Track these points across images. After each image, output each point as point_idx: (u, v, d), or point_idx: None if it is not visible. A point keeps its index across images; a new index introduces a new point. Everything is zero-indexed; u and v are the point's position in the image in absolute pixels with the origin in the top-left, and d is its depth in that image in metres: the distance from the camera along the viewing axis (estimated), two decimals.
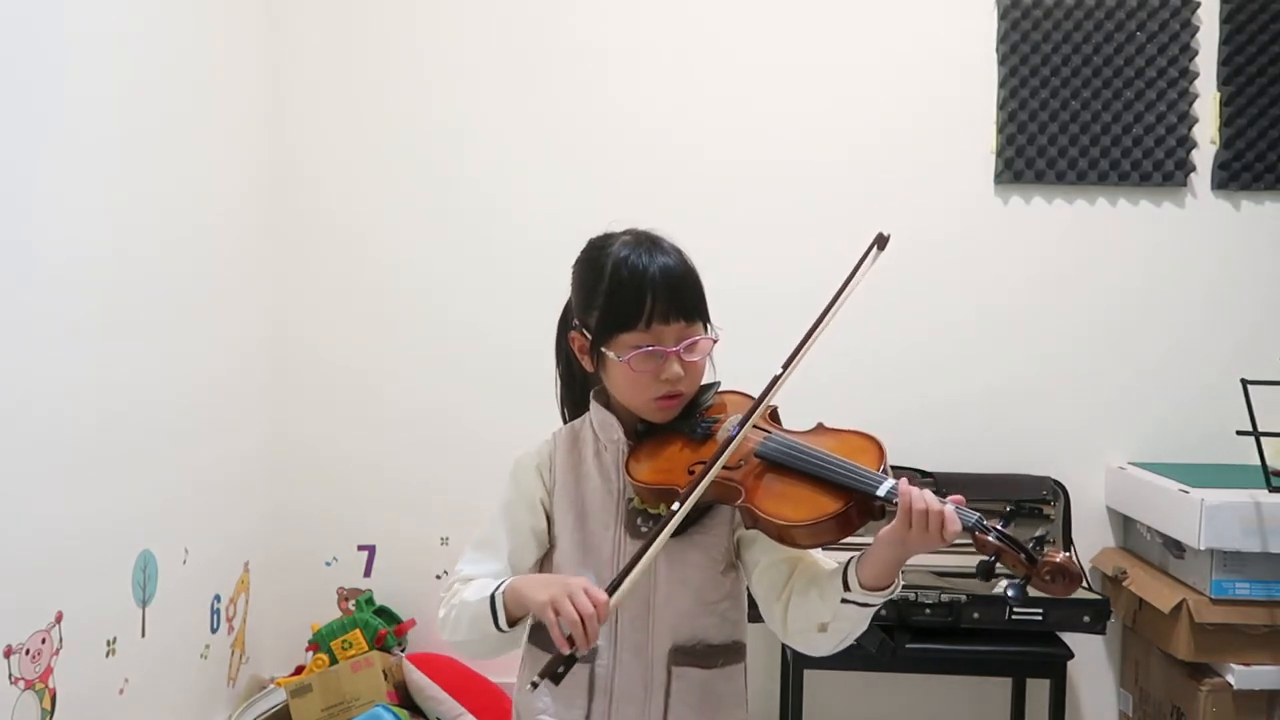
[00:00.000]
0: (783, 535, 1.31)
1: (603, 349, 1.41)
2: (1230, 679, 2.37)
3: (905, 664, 2.42)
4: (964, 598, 2.38)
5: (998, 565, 1.22)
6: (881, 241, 1.42)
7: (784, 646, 2.65)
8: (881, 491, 1.26)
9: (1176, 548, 2.52)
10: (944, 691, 2.84)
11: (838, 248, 2.78)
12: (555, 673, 1.27)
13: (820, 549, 1.37)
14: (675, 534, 1.40)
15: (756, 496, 1.33)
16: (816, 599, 1.33)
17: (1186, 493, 2.41)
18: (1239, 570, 2.37)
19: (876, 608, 1.31)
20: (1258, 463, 2.40)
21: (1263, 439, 2.38)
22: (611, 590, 1.28)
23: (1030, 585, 1.21)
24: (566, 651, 1.25)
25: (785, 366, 1.39)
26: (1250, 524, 2.32)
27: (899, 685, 2.81)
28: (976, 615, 2.39)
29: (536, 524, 1.49)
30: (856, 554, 1.31)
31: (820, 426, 1.44)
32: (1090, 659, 2.80)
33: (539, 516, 1.49)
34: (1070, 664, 2.45)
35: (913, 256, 2.82)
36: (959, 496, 1.25)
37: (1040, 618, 2.39)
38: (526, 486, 1.50)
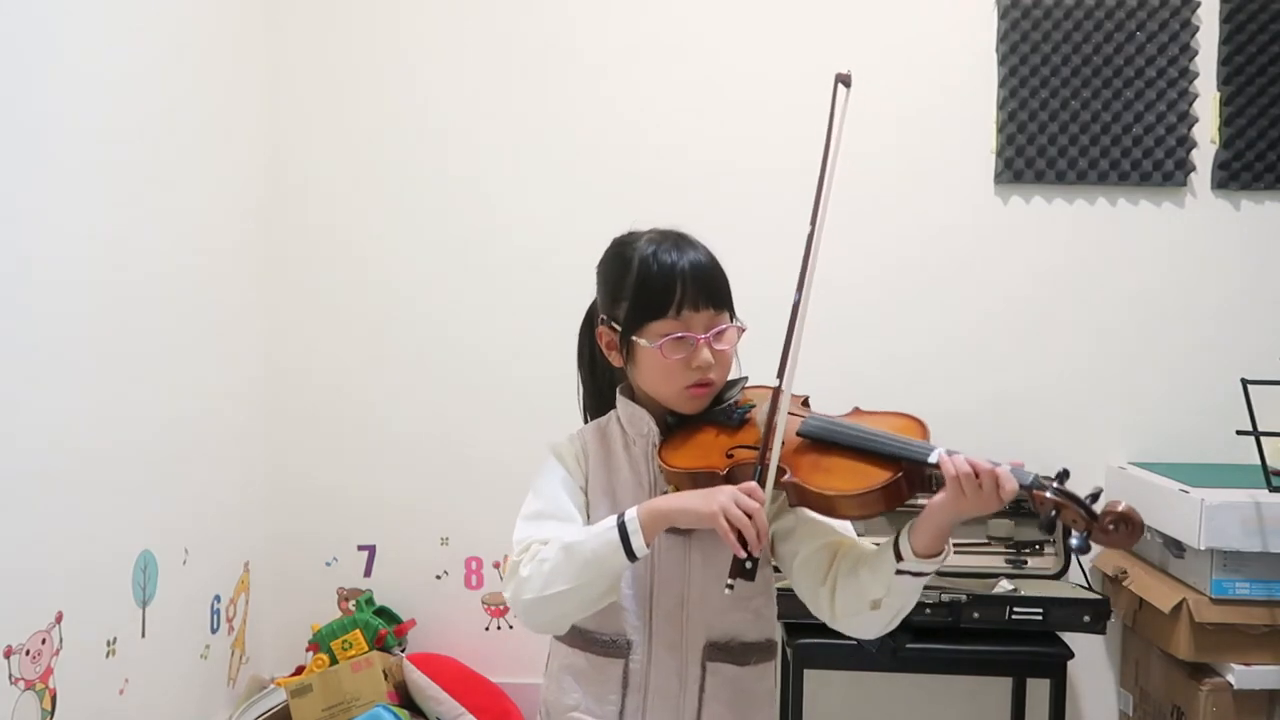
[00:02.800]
0: (831, 508, 1.32)
1: (633, 337, 1.42)
2: (1230, 679, 2.37)
3: (905, 664, 2.42)
4: (964, 598, 2.38)
5: (1058, 521, 1.22)
6: (845, 80, 1.42)
7: (784, 645, 2.65)
8: (933, 459, 1.26)
9: (1176, 547, 2.52)
10: (944, 691, 2.84)
11: (839, 248, 2.80)
12: (746, 569, 1.29)
13: (864, 523, 1.38)
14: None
15: (803, 471, 1.33)
16: (868, 576, 1.33)
17: (1186, 493, 2.40)
18: (1239, 570, 2.37)
19: (929, 577, 1.32)
20: (1258, 463, 2.40)
21: (1263, 439, 2.38)
22: (761, 481, 1.31)
23: (1092, 538, 1.22)
24: (744, 554, 1.27)
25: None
26: (1250, 524, 2.32)
27: (899, 685, 2.81)
28: (976, 615, 2.39)
29: (585, 504, 1.48)
30: (904, 526, 1.32)
31: (858, 410, 1.45)
32: (1090, 659, 2.80)
33: (582, 498, 1.48)
34: (1070, 664, 2.45)
35: (912, 257, 2.83)
36: (1018, 461, 1.26)
37: (1040, 617, 2.40)
38: (570, 467, 1.49)
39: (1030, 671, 2.61)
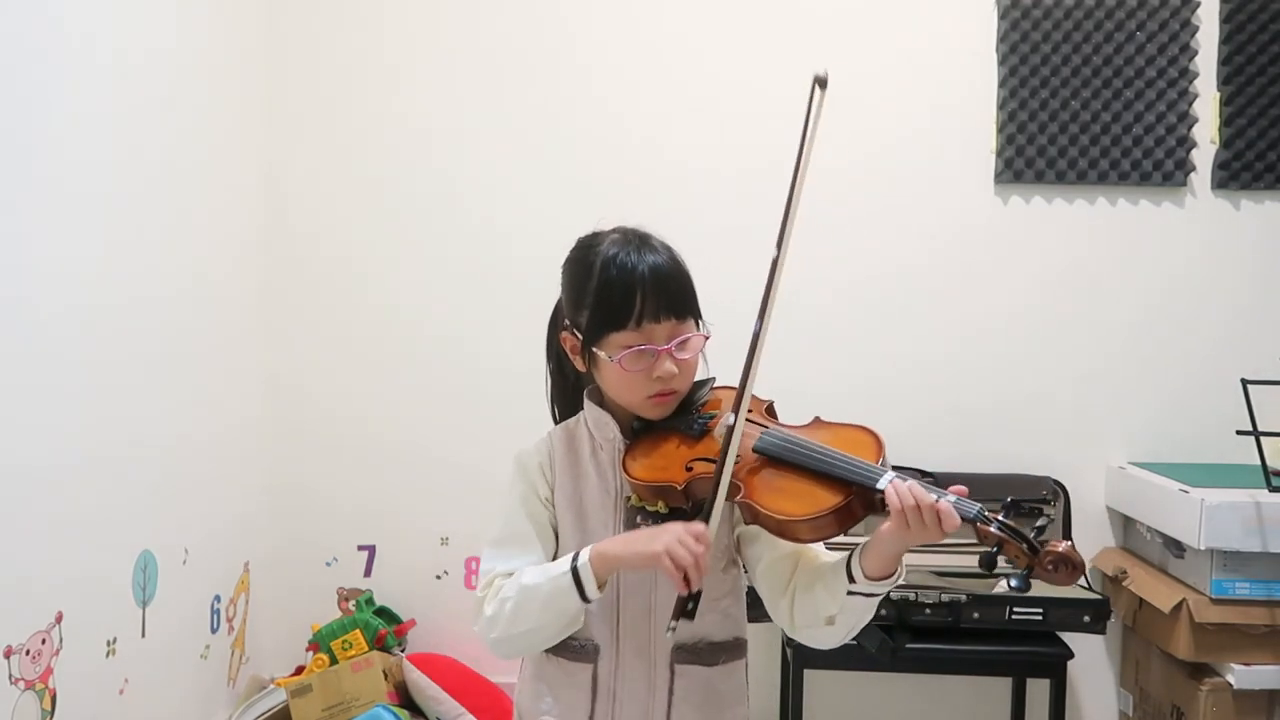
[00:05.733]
0: (783, 530, 1.31)
1: (594, 349, 1.41)
2: (1230, 679, 2.37)
3: (905, 664, 2.42)
4: (964, 598, 2.38)
5: (1000, 556, 1.22)
6: (821, 83, 1.39)
7: (784, 646, 2.65)
8: (881, 484, 1.26)
9: (1176, 547, 2.52)
10: (944, 691, 2.84)
11: (837, 249, 2.82)
12: (688, 610, 1.31)
13: (821, 543, 1.37)
14: None
15: (756, 492, 1.33)
16: (822, 592, 1.33)
17: (1186, 493, 2.41)
18: (1239, 570, 2.37)
19: (882, 596, 1.32)
20: (1258, 463, 2.40)
21: (1263, 439, 2.38)
22: (706, 519, 1.31)
23: (1033, 575, 1.21)
24: (688, 592, 1.29)
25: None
26: (1250, 524, 2.32)
27: (899, 685, 2.81)
28: (976, 615, 2.39)
29: (550, 516, 1.49)
30: (858, 546, 1.32)
31: (818, 420, 1.44)
32: (1090, 659, 2.80)
33: (550, 509, 1.49)
34: (1070, 664, 2.45)
35: (912, 257, 2.83)
36: (962, 488, 1.25)
37: (1040, 617, 2.39)
38: (534, 480, 1.49)
39: (1030, 671, 2.61)
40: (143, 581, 2.21)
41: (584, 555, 1.35)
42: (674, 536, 1.28)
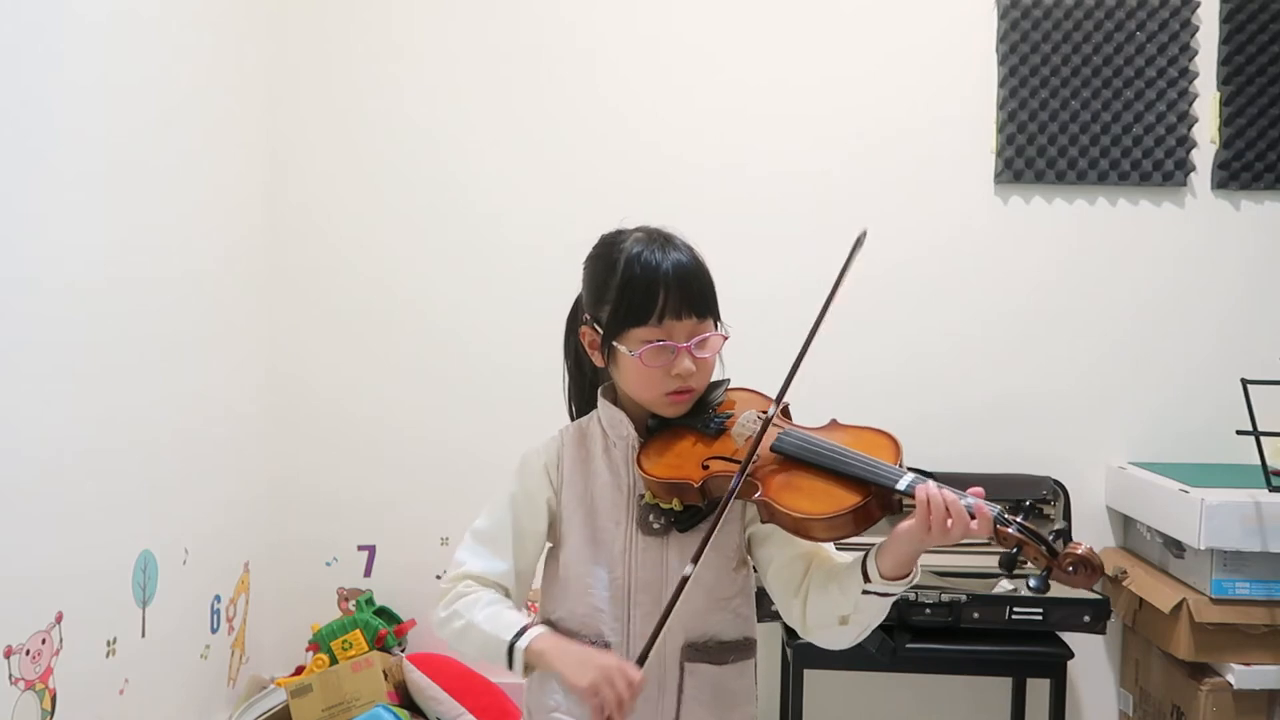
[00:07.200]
0: (800, 529, 1.31)
1: (614, 343, 1.42)
2: (1230, 679, 2.37)
3: (905, 664, 2.42)
4: (964, 598, 2.38)
5: (1019, 558, 1.22)
6: (860, 242, 1.42)
7: (784, 646, 2.65)
8: (901, 485, 1.26)
9: (1176, 547, 2.52)
10: (944, 691, 2.84)
11: (839, 250, 2.81)
12: None
13: (835, 544, 1.38)
14: (684, 529, 1.42)
15: (773, 490, 1.33)
16: (837, 592, 1.34)
17: (1186, 492, 2.41)
18: (1239, 570, 2.37)
19: (896, 597, 1.32)
20: (1258, 462, 2.40)
21: (1263, 439, 2.38)
22: (641, 662, 1.31)
23: (1052, 577, 1.22)
24: None
25: (787, 381, 1.39)
26: (1250, 524, 2.32)
27: (899, 685, 2.81)
28: (976, 615, 2.39)
29: (537, 526, 1.50)
30: (873, 546, 1.32)
31: (834, 423, 1.44)
32: (1090, 659, 2.80)
33: (540, 518, 1.49)
34: (1070, 664, 2.45)
35: (912, 257, 2.83)
36: (979, 489, 1.26)
37: (1040, 618, 2.39)
38: (532, 485, 1.50)
39: (1030, 671, 2.61)
40: (143, 581, 2.21)
41: (524, 640, 1.37)
42: (605, 675, 1.29)
